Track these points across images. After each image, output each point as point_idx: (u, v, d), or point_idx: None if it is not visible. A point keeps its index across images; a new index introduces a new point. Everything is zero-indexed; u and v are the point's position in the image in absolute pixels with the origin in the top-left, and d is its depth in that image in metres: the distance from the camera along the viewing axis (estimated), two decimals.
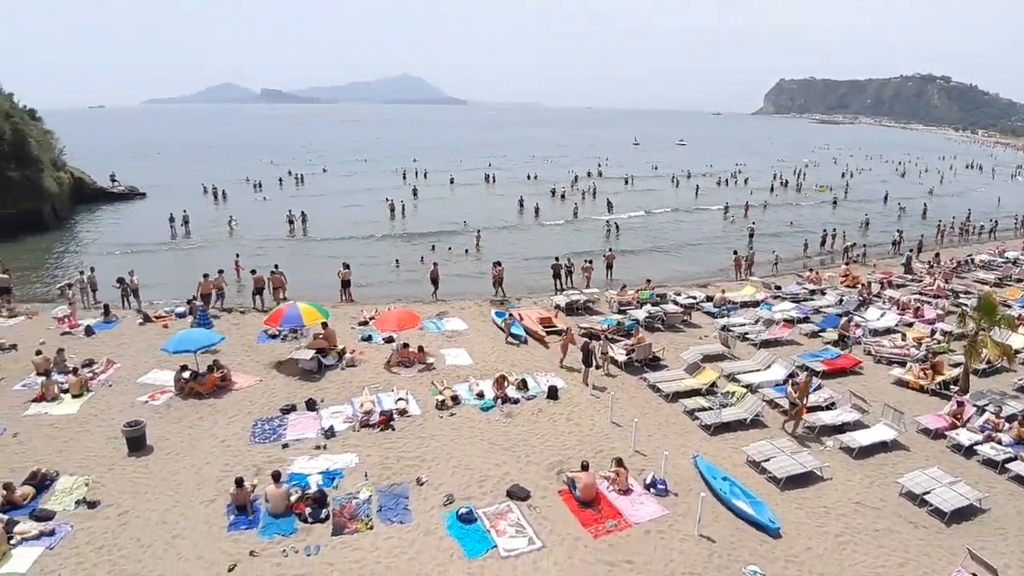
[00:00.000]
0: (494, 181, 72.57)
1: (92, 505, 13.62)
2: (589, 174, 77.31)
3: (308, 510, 13.35)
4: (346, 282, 29.04)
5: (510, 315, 24.80)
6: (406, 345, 21.59)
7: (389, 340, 22.90)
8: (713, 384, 19.86)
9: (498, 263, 30.95)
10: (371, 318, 25.08)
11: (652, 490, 14.31)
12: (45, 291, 31.04)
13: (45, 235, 42.94)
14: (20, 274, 32.07)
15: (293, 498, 13.53)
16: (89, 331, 23.98)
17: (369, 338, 23.59)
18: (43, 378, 19.17)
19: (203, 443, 16.21)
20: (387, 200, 53.26)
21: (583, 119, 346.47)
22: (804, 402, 16.96)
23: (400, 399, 18.32)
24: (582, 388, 19.69)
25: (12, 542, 12.35)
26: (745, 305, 28.46)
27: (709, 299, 28.64)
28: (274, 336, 23.47)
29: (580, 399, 18.95)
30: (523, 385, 19.39)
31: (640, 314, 26.08)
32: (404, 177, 74.28)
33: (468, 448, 16.03)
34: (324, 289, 29.36)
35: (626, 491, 14.18)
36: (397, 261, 35.83)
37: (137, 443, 15.74)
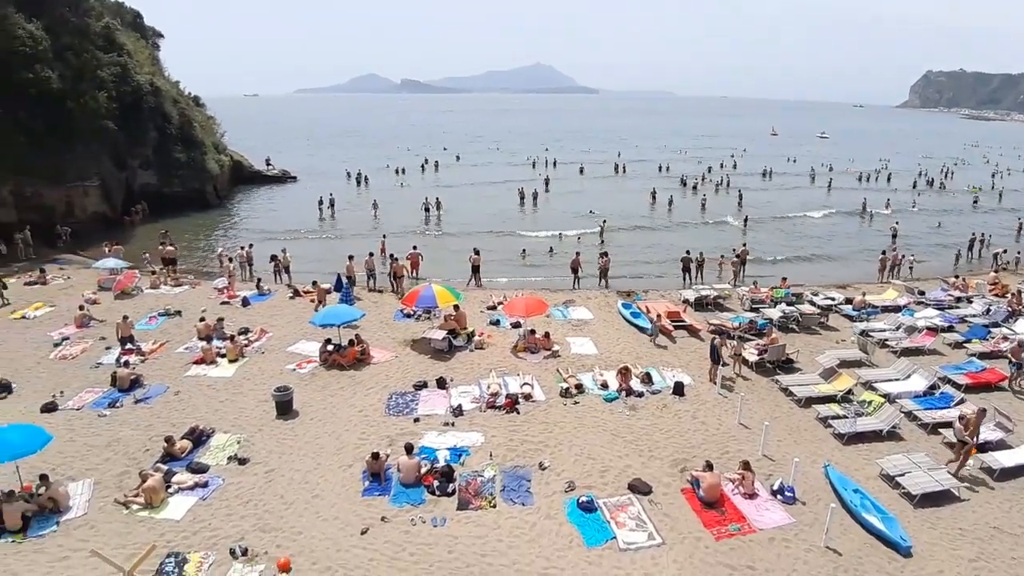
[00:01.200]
0: (624, 171, 71.40)
1: (242, 462, 14.81)
2: (723, 165, 74.31)
3: (436, 483, 13.85)
4: (476, 267, 29.77)
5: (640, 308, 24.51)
6: (533, 331, 21.81)
7: (516, 325, 23.24)
8: (849, 391, 18.70)
9: (604, 253, 30.81)
10: (499, 303, 25.55)
11: (779, 497, 13.71)
12: (206, 264, 34.02)
13: (207, 213, 46.93)
14: (184, 247, 35.27)
15: (423, 470, 14.09)
16: (245, 302, 26.08)
17: (497, 322, 24.06)
18: (204, 343, 21.09)
19: (343, 411, 17.22)
20: (518, 189, 53.83)
21: (717, 109, 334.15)
22: (975, 440, 15.11)
23: (525, 384, 18.57)
24: (709, 386, 19.08)
25: (170, 491, 13.64)
26: (886, 310, 26.47)
27: (848, 301, 26.89)
28: (409, 315, 24.52)
29: (707, 397, 18.40)
30: (648, 379, 19.05)
31: (774, 313, 24.90)
32: (534, 166, 74.80)
33: (591, 437, 16.00)
34: (454, 273, 30.35)
35: (752, 495, 13.66)
36: (524, 251, 36.12)
37: (285, 407, 16.97)
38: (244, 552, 11.80)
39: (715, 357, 19.17)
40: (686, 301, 26.66)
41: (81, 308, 24.28)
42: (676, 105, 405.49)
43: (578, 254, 30.18)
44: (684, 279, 30.47)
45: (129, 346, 21.18)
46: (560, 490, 13.81)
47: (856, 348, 22.07)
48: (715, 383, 19.00)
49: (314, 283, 26.99)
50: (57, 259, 33.04)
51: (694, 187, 59.24)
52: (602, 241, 39.19)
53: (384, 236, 35.19)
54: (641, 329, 23.52)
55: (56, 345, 21.90)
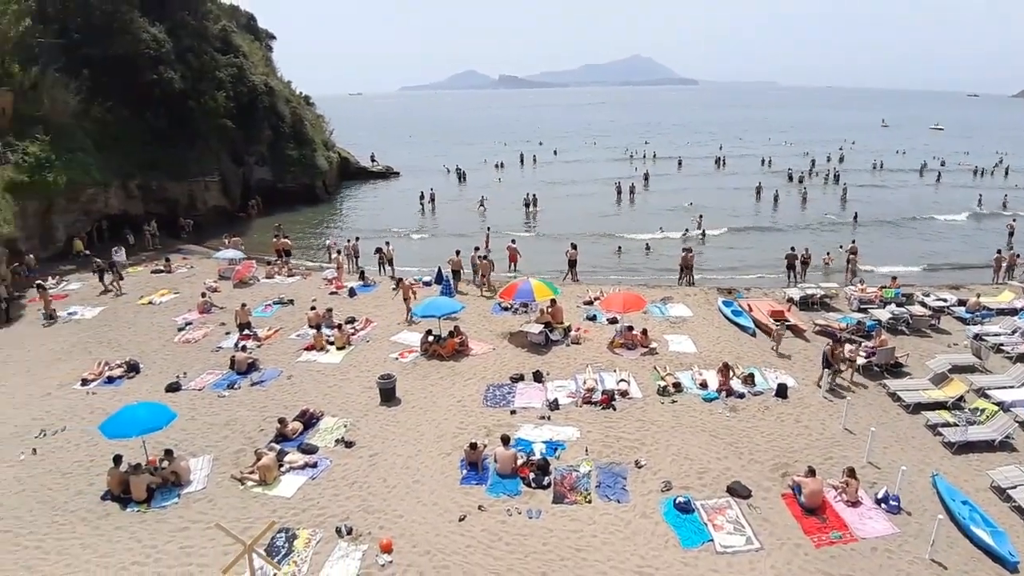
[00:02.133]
0: (724, 165, 69.12)
1: (349, 445, 15.46)
2: (829, 159, 70.26)
3: (532, 475, 13.97)
4: (573, 262, 29.72)
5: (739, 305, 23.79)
6: (630, 328, 21.58)
7: (613, 321, 23.05)
8: (960, 398, 17.45)
9: (688, 249, 30.06)
10: (596, 298, 25.41)
11: (883, 506, 13.04)
12: (316, 256, 35.60)
13: (316, 207, 49.09)
14: (296, 240, 37.03)
15: (519, 462, 14.25)
16: (352, 292, 27.15)
17: (594, 318, 23.94)
18: (314, 331, 22.12)
19: (442, 401, 17.67)
20: (615, 184, 53.24)
21: (822, 99, 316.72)
22: None
23: (622, 380, 18.40)
24: (814, 389, 18.29)
25: (282, 469, 14.42)
26: (1002, 312, 24.40)
27: (961, 303, 25.01)
28: (507, 309, 24.79)
29: (811, 401, 17.64)
30: (750, 379, 18.46)
31: (883, 314, 23.51)
32: (631, 159, 73.76)
33: (689, 438, 15.70)
34: (551, 267, 30.49)
35: (855, 503, 13.07)
36: (620, 248, 35.67)
37: (388, 394, 17.61)
38: (349, 531, 12.34)
39: (827, 362, 18.34)
40: (791, 300, 25.63)
41: (203, 295, 26.00)
42: (780, 96, 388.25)
43: (688, 251, 29.58)
44: (789, 277, 29.32)
45: (246, 332, 22.51)
46: (656, 489, 13.64)
47: (969, 353, 20.65)
48: (820, 387, 18.20)
49: (399, 280, 27.25)
50: (181, 249, 35.47)
51: (799, 180, 56.52)
52: (702, 235, 38.22)
53: (489, 228, 35.86)
54: (742, 328, 22.81)
55: (180, 330, 23.58)
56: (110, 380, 19.46)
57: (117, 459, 13.97)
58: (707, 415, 16.87)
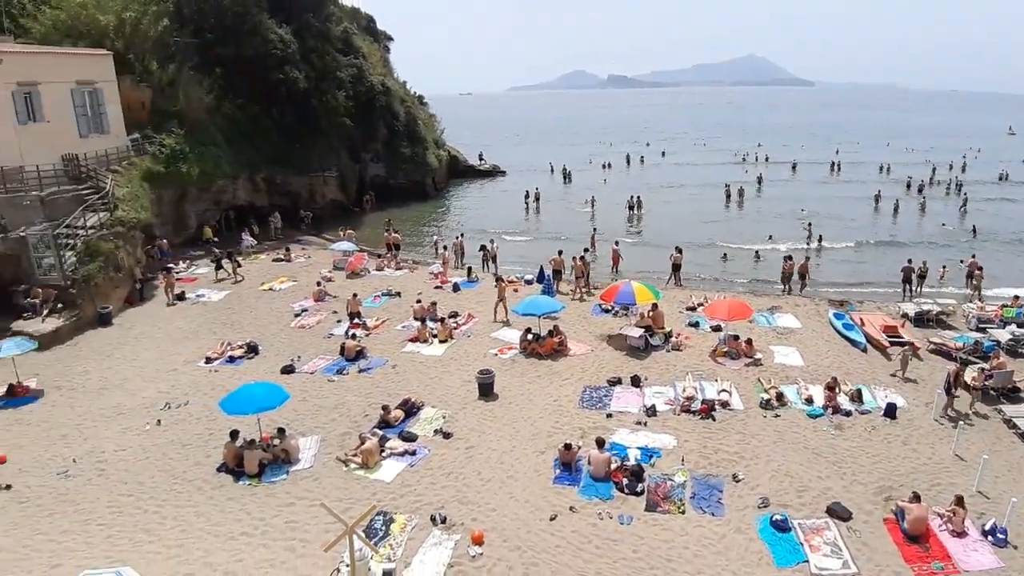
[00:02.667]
0: (839, 170, 65.43)
1: (447, 436, 15.92)
2: (951, 167, 64.65)
3: (625, 480, 13.89)
4: (677, 266, 29.18)
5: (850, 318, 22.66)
6: (735, 337, 20.98)
7: (717, 329, 22.49)
8: None
9: (789, 257, 28.74)
10: (700, 304, 24.89)
11: (990, 538, 12.15)
12: (423, 250, 36.70)
13: (425, 203, 50.59)
14: (404, 235, 38.30)
15: (613, 466, 14.19)
16: (456, 288, 27.87)
17: (696, 324, 23.44)
18: (419, 323, 22.88)
19: (539, 399, 17.86)
20: (725, 187, 51.70)
21: (946, 103, 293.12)
22: None
23: (723, 390, 17.95)
24: (925, 410, 17.14)
25: (384, 455, 15.01)
26: None
27: None
28: (607, 311, 24.68)
29: (921, 423, 16.56)
30: (857, 397, 17.55)
31: (1003, 335, 21.68)
32: (743, 161, 71.35)
33: (790, 454, 15.12)
34: (654, 271, 30.05)
35: (960, 533, 12.23)
36: (725, 255, 34.54)
37: (486, 389, 18.01)
38: (443, 520, 12.72)
39: (948, 387, 17.09)
40: (905, 315, 24.08)
41: (318, 284, 27.46)
42: (900, 98, 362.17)
43: (807, 259, 28.47)
44: (904, 291, 27.56)
45: (356, 321, 23.55)
46: (753, 505, 13.25)
47: None
48: (947, 416, 16.98)
49: (499, 278, 27.41)
50: (300, 240, 37.52)
51: (919, 190, 52.43)
52: (809, 243, 36.45)
53: (595, 229, 35.81)
54: (853, 342, 21.69)
55: (296, 315, 25.01)
56: (231, 359, 20.93)
57: (234, 434, 14.97)
58: (811, 432, 16.20)
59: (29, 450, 15.80)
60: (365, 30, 57.82)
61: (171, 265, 29.63)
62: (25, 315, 22.68)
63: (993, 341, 21.25)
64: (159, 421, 17.01)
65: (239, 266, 29.98)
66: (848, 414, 17.00)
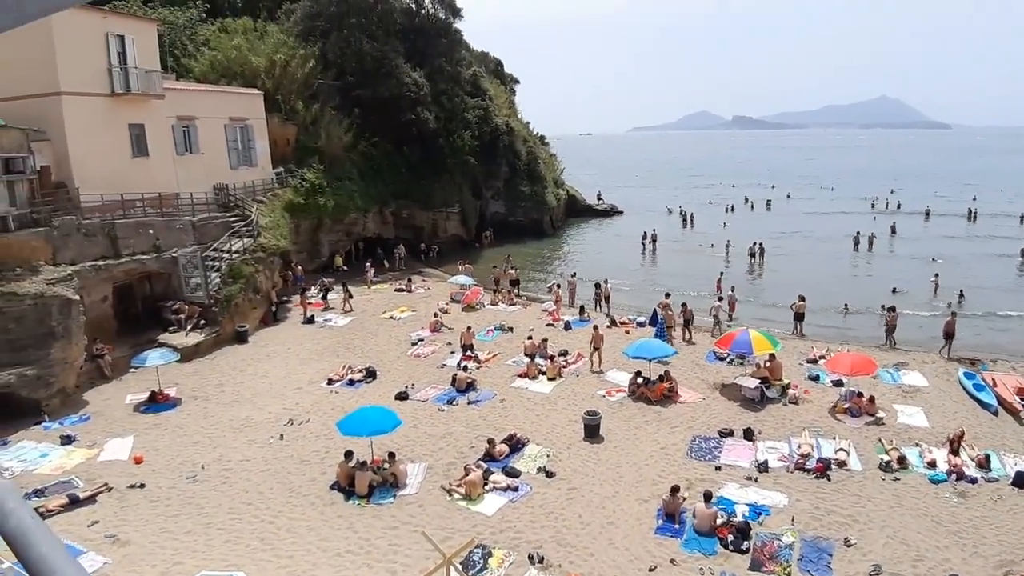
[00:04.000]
0: (975, 219, 60.17)
1: (550, 475, 15.93)
2: None
3: (731, 537, 13.35)
4: (800, 315, 27.89)
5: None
6: (859, 393, 19.75)
7: (838, 383, 21.25)
8: None
9: (892, 308, 26.71)
10: (821, 357, 23.65)
11: None
12: (537, 287, 37.13)
13: (542, 241, 51.19)
14: (520, 271, 38.91)
15: (719, 521, 13.68)
16: (567, 326, 27.97)
17: (816, 378, 22.24)
18: (528, 359, 23.11)
19: (645, 445, 17.54)
20: (855, 234, 48.71)
21: None
22: None
23: (841, 449, 16.89)
24: None
25: (486, 488, 15.23)
26: None
27: None
28: (722, 359, 23.91)
29: None
30: (985, 463, 16.03)
31: None
32: (872, 206, 67.23)
33: (908, 520, 13.99)
34: (772, 319, 28.98)
35: None
36: (846, 306, 32.17)
37: (592, 431, 17.91)
38: (541, 560, 12.71)
39: None
40: None
41: (435, 315, 28.41)
42: None
43: (953, 314, 25.94)
44: None
45: (469, 353, 24.19)
46: (864, 572, 12.37)
47: None
48: None
49: (612, 320, 27.33)
50: (422, 272, 38.99)
51: None
52: (936, 297, 33.65)
53: (721, 274, 35.12)
54: (983, 405, 19.86)
55: (413, 344, 26.00)
56: (351, 382, 22.04)
57: (348, 454, 15.69)
58: (932, 498, 14.96)
59: (164, 453, 17.30)
60: (493, 73, 60.01)
61: (305, 289, 31.63)
62: (171, 328, 24.99)
63: None
64: (282, 436, 18.12)
65: (351, 296, 31.23)
66: (974, 481, 15.62)
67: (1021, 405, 19.41)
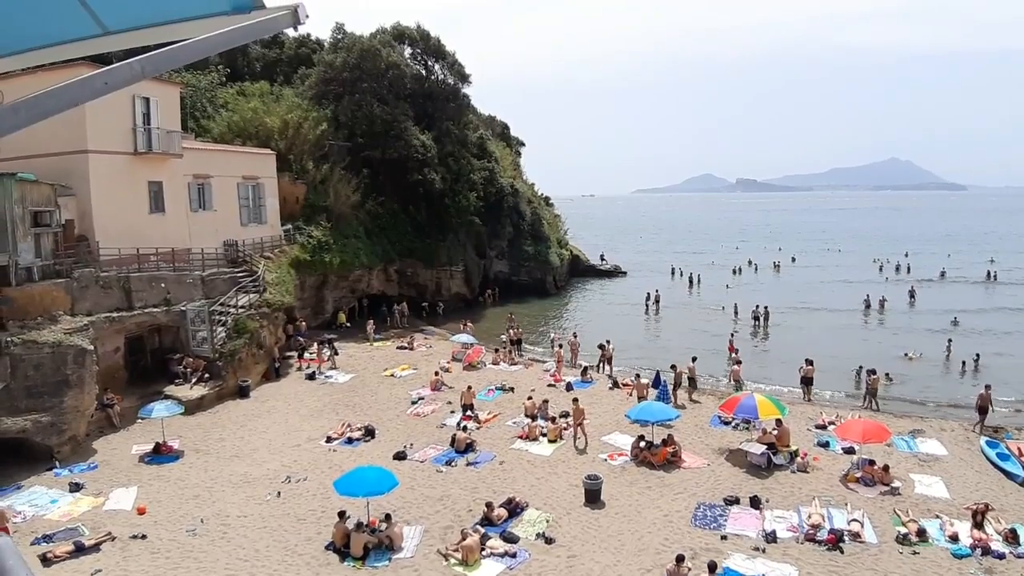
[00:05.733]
0: (995, 279, 60.12)
1: (549, 541, 15.43)
2: None
3: None
4: (808, 379, 27.54)
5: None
6: (871, 462, 19.24)
7: (849, 451, 20.74)
8: None
9: (873, 371, 26.72)
10: (831, 423, 23.19)
11: None
12: (540, 346, 36.93)
13: (545, 300, 51.34)
14: (522, 330, 38.77)
15: None
16: (569, 387, 27.59)
17: (827, 444, 21.72)
18: (529, 420, 22.76)
19: (648, 512, 17.00)
20: (865, 297, 48.51)
21: None
22: None
23: (854, 520, 16.31)
24: None
25: (484, 553, 14.74)
26: None
27: None
28: (727, 423, 23.46)
29: None
30: (1012, 536, 15.36)
31: None
32: (881, 269, 67.26)
33: None
34: (780, 383, 28.62)
35: None
36: (861, 367, 31.47)
37: (594, 496, 17.42)
38: None
39: None
40: None
41: (436, 374, 28.15)
42: None
43: (988, 387, 24.04)
44: None
45: (469, 413, 23.85)
46: None
47: None
48: None
49: (636, 376, 27.13)
50: (424, 329, 38.90)
51: None
52: (948, 361, 33.23)
53: (733, 334, 35.18)
54: (1009, 475, 19.22)
55: (413, 403, 25.71)
56: (349, 441, 21.73)
57: (342, 514, 15.38)
58: (955, 574, 14.27)
59: (166, 505, 17.22)
60: (499, 135, 61.31)
61: (304, 347, 31.74)
62: (176, 381, 25.09)
63: None
64: (279, 493, 17.86)
65: (336, 353, 30.98)
66: (1001, 556, 14.89)
67: None
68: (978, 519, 16.02)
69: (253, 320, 27.80)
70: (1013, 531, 15.62)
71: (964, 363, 32.58)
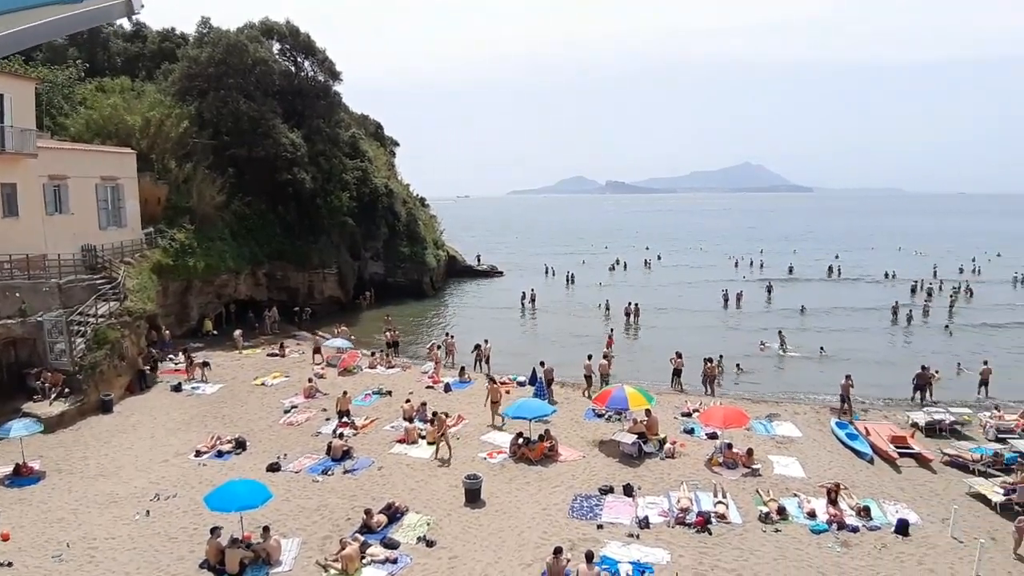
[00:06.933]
0: (839, 274, 66.23)
1: (430, 544, 15.37)
2: (961, 270, 65.32)
3: None
4: (677, 371, 29.15)
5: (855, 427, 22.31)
6: (730, 445, 20.60)
7: (712, 436, 22.11)
8: None
9: (709, 359, 28.69)
10: (695, 410, 24.59)
11: None
12: (417, 349, 36.63)
13: (422, 302, 50.98)
14: (399, 332, 38.34)
15: None
16: (447, 388, 27.64)
17: (692, 431, 23.05)
18: (407, 423, 22.53)
19: (527, 507, 17.31)
20: (722, 291, 52.15)
21: (956, 206, 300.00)
22: None
23: (720, 502, 17.35)
24: (941, 527, 16.36)
25: (364, 561, 14.48)
26: None
27: None
28: (600, 416, 24.36)
29: (938, 541, 15.76)
30: (865, 512, 16.95)
31: None
32: (736, 266, 72.35)
33: (793, 573, 14.40)
34: (651, 375, 29.96)
35: None
36: (720, 356, 33.19)
37: (474, 495, 17.51)
38: None
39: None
40: (915, 425, 23.58)
41: (310, 381, 27.29)
42: (905, 203, 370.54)
43: (848, 377, 25.76)
44: (921, 398, 27.06)
45: (345, 419, 23.24)
46: None
47: None
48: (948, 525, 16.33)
49: (492, 380, 27.19)
50: (296, 335, 37.54)
51: (928, 294, 52.28)
52: (784, 350, 35.99)
53: (612, 330, 36.61)
54: (858, 453, 21.19)
55: (286, 412, 24.74)
56: (220, 454, 20.65)
57: (214, 530, 14.63)
58: (814, 548, 15.45)
59: (29, 530, 15.90)
60: (373, 135, 60.28)
61: (171, 356, 30.18)
62: (35, 397, 23.13)
63: (1015, 453, 20.33)
64: (148, 512, 16.81)
65: (191, 363, 29.15)
66: (855, 530, 16.25)
67: (897, 453, 20.59)
68: (832, 496, 17.38)
69: (114, 330, 26.13)
70: (866, 507, 17.03)
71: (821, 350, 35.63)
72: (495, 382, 26.88)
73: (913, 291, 53.89)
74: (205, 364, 29.09)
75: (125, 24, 53.63)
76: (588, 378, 27.78)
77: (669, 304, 51.09)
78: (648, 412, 22.06)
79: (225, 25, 46.57)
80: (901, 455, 20.62)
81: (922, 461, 20.46)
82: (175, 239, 35.17)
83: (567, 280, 62.13)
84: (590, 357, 28.58)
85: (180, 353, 30.56)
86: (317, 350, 32.08)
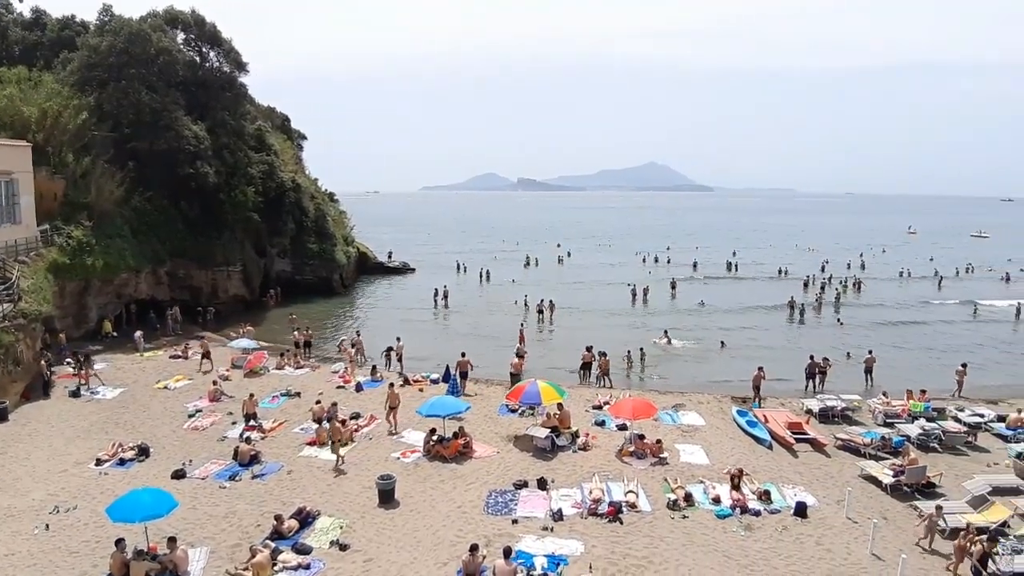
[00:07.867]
0: (737, 270, 69.83)
1: (343, 548, 15.17)
2: (849, 266, 70.51)
3: None
4: (586, 365, 29.88)
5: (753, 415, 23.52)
6: (641, 436, 21.30)
7: (622, 428, 22.80)
8: (1004, 524, 16.48)
9: (604, 353, 29.89)
10: (605, 403, 25.26)
11: None
12: (327, 348, 35.92)
13: (331, 299, 49.99)
14: (311, 331, 37.49)
15: None
16: (359, 387, 27.25)
17: (603, 423, 23.69)
18: (318, 425, 22.11)
19: (442, 506, 17.36)
20: (629, 285, 53.81)
21: (843, 205, 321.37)
22: None
23: (630, 491, 17.88)
24: (837, 508, 17.44)
25: (275, 568, 14.18)
26: None
27: (1001, 419, 24.16)
28: (513, 411, 24.66)
29: (834, 522, 16.80)
30: (766, 496, 17.86)
31: (912, 430, 22.76)
32: (644, 261, 74.94)
33: (700, 557, 15.02)
34: (561, 370, 30.58)
35: None
36: (629, 352, 33.85)
37: (387, 496, 17.40)
38: None
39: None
40: (809, 411, 25.13)
41: (215, 383, 26.30)
42: (798, 203, 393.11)
43: (760, 369, 27.04)
44: (807, 387, 28.90)
45: (252, 423, 22.52)
46: None
47: (1012, 473, 19.69)
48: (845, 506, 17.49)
49: (406, 378, 27.17)
50: (199, 336, 36.04)
51: (822, 288, 55.76)
52: (669, 344, 37.66)
53: (523, 325, 37.07)
54: (758, 440, 22.38)
55: (190, 416, 23.76)
56: (122, 462, 19.74)
57: (119, 542, 13.99)
58: (720, 533, 16.20)
59: None
60: (279, 128, 58.53)
61: (69, 360, 28.54)
62: None
63: (902, 436, 21.84)
64: (47, 526, 15.89)
65: (82, 366, 27.58)
66: (757, 514, 17.07)
67: (793, 438, 21.84)
68: (735, 481, 18.26)
69: (8, 333, 24.61)
70: (766, 491, 17.98)
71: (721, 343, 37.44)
72: (409, 381, 26.81)
73: (806, 286, 57.32)
74: (87, 359, 27.75)
75: (25, 11, 50.89)
76: (514, 376, 27.96)
77: (579, 302, 51.75)
78: (560, 406, 22.51)
79: (128, 13, 44.42)
80: (798, 440, 21.92)
81: (817, 446, 21.80)
82: (72, 237, 33.42)
83: (480, 277, 62.45)
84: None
85: (72, 356, 28.83)
86: (207, 354, 30.32)
